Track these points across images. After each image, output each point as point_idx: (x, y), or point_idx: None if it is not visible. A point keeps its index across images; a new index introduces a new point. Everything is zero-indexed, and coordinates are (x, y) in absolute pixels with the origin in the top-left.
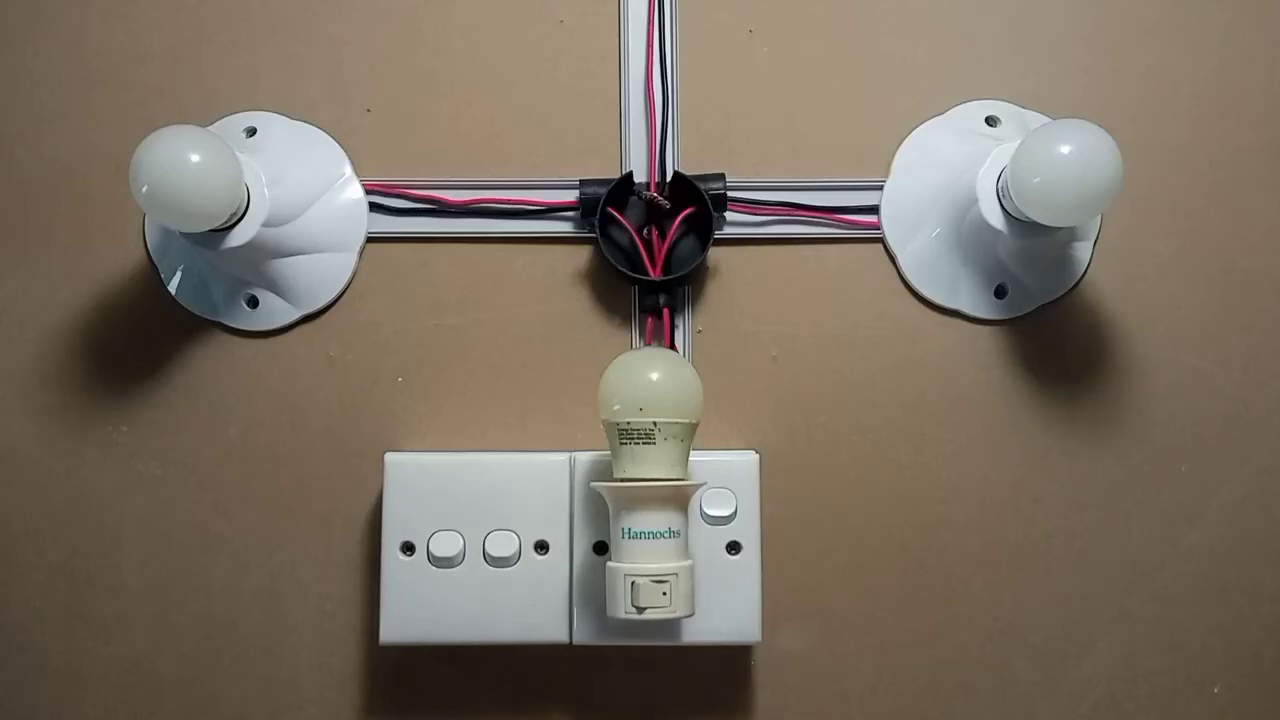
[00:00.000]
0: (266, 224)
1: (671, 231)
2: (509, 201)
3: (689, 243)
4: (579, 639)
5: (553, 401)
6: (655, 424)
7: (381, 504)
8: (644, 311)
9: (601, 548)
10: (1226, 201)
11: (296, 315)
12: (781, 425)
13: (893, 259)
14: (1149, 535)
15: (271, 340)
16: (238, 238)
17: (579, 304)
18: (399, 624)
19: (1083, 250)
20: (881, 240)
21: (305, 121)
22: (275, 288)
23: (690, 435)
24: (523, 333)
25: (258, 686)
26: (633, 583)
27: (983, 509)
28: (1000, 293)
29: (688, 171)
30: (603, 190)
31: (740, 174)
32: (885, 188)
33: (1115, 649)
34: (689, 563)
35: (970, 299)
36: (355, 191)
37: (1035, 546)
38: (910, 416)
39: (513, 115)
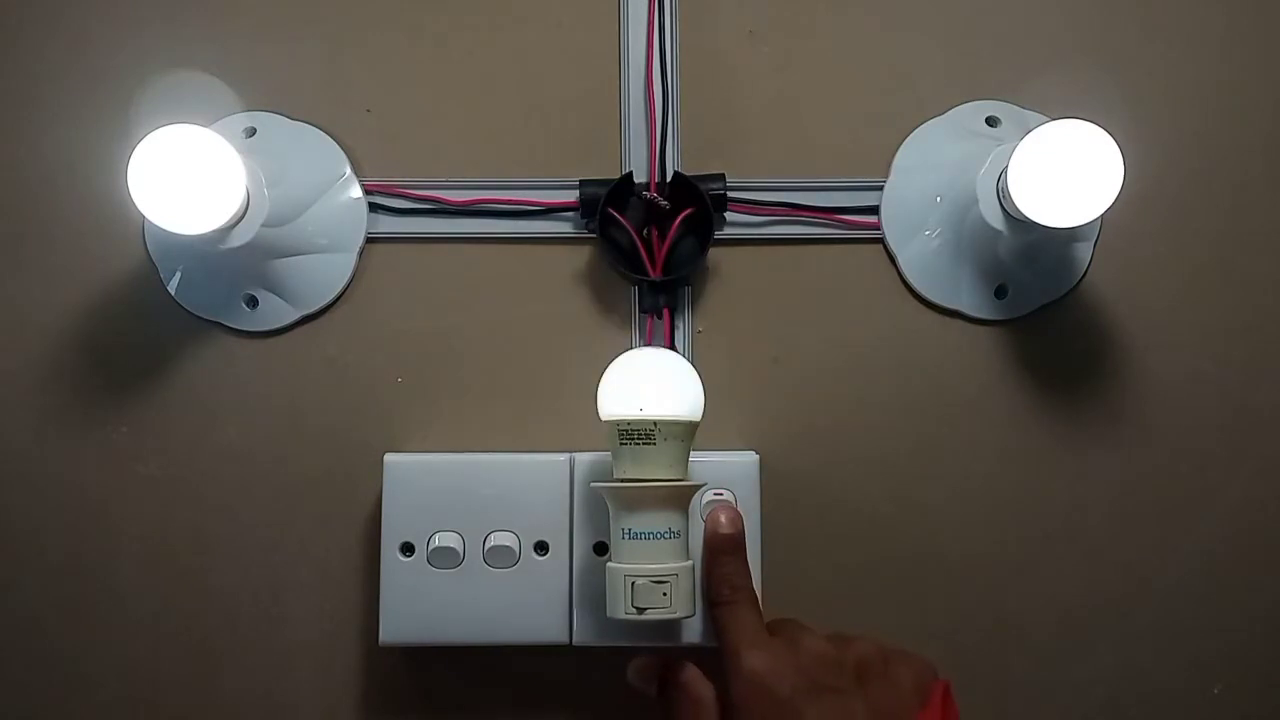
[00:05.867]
0: (266, 224)
1: (671, 232)
2: (509, 201)
3: (689, 243)
4: (579, 639)
5: (552, 402)
6: (655, 424)
7: (381, 504)
8: (644, 311)
9: (601, 548)
10: (1226, 201)
11: (296, 315)
12: (781, 425)
13: (893, 259)
14: (1149, 535)
15: (271, 340)
16: (238, 238)
17: (579, 304)
18: (399, 624)
19: (1083, 250)
20: (881, 241)
21: (305, 122)
22: (275, 288)
23: (690, 435)
24: (523, 333)
25: (258, 687)
26: (632, 583)
27: (983, 509)
28: (1000, 293)
29: (688, 172)
30: (602, 190)
31: (740, 174)
32: (885, 188)
33: (1115, 649)
34: (689, 563)
35: (970, 299)
36: (355, 191)
37: (1035, 546)
38: (910, 417)
39: (513, 115)
